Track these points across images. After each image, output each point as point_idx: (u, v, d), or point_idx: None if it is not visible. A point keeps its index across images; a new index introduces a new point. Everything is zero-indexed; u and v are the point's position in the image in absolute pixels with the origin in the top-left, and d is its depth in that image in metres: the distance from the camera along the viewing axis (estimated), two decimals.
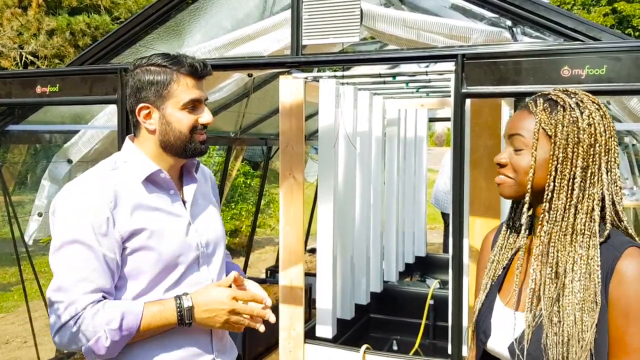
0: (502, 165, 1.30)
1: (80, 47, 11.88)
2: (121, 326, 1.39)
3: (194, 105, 1.56)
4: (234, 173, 8.24)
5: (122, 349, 1.43)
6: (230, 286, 1.54)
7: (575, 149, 1.18)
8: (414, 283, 4.88)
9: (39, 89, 2.57)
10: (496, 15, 2.12)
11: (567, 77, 1.75)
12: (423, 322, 3.89)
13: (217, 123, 4.64)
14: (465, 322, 2.56)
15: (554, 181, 1.20)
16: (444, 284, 4.36)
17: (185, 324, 1.47)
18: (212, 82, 3.01)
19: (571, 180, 1.19)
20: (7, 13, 11.18)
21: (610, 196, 1.21)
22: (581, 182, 1.19)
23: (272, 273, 5.56)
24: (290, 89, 3.03)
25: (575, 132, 1.18)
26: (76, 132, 3.21)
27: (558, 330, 1.16)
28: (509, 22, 2.10)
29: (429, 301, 3.96)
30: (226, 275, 1.63)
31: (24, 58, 11.64)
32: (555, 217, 1.20)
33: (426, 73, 3.21)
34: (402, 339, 4.08)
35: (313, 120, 4.63)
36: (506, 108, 3.09)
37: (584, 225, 1.18)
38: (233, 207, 8.66)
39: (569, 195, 1.19)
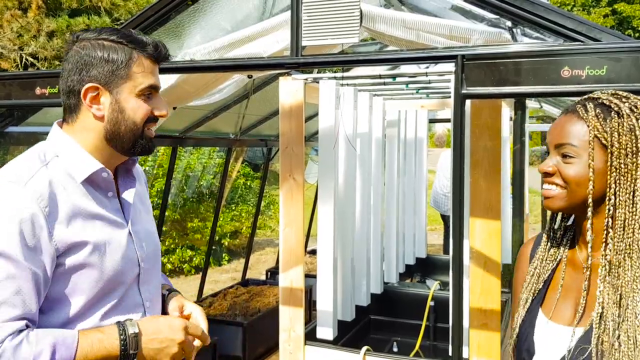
0: (549, 175, 1.20)
1: None
2: (52, 357, 1.13)
3: (150, 93, 1.33)
4: (234, 174, 8.24)
5: None
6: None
7: (635, 160, 1.11)
8: (414, 284, 4.88)
9: (38, 91, 2.57)
10: (496, 16, 2.11)
11: (567, 77, 1.74)
12: (423, 323, 3.89)
13: (217, 124, 4.64)
14: (466, 324, 2.56)
15: (615, 195, 1.12)
16: (444, 285, 4.36)
17: (129, 356, 1.21)
18: (212, 83, 3.00)
19: (632, 193, 1.11)
20: (7, 15, 11.19)
21: None
22: None
23: (273, 274, 5.56)
24: (290, 90, 3.03)
25: (634, 141, 1.11)
26: None
27: (619, 356, 1.09)
28: (509, 23, 2.10)
29: (430, 302, 3.96)
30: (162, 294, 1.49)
31: (24, 60, 11.65)
32: (619, 233, 1.13)
33: (426, 74, 3.21)
34: (402, 341, 4.08)
35: (313, 121, 4.64)
36: (506, 109, 3.08)
37: None
38: (233, 208, 8.66)
39: (630, 210, 1.12)
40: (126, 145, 1.32)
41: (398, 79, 3.44)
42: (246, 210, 8.72)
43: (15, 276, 1.14)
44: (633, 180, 1.11)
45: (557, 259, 1.28)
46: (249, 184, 9.17)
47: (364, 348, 2.93)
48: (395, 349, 4.06)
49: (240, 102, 4.31)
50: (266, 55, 2.42)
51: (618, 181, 1.12)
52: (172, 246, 7.57)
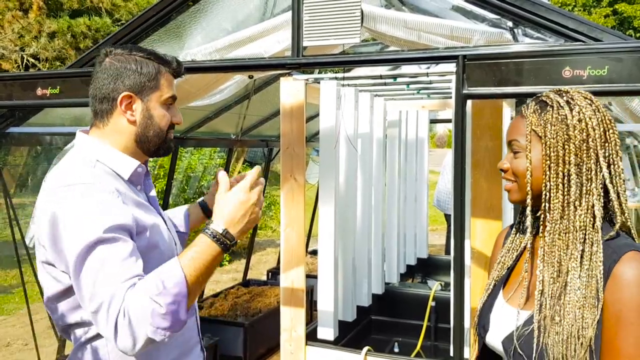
0: (504, 171, 1.31)
1: (81, 50, 11.90)
2: (165, 286, 1.23)
3: (171, 103, 1.52)
4: (234, 175, 8.24)
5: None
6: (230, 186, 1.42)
7: (567, 146, 1.19)
8: (415, 285, 4.88)
9: (39, 91, 2.57)
10: (497, 17, 2.11)
11: (569, 77, 1.74)
12: (425, 323, 3.88)
13: (218, 125, 4.64)
14: (467, 324, 2.56)
15: (549, 181, 1.21)
16: (445, 285, 4.35)
17: (230, 247, 1.34)
18: (213, 84, 3.00)
19: (566, 178, 1.19)
20: (8, 15, 11.20)
21: (615, 189, 1.20)
22: (577, 178, 1.18)
23: (274, 275, 5.56)
24: (291, 90, 3.03)
25: (564, 129, 1.19)
26: None
27: (559, 329, 1.16)
28: (510, 23, 2.10)
29: (431, 303, 3.96)
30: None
31: (25, 60, 11.66)
32: (555, 216, 1.21)
33: (427, 74, 3.21)
34: (403, 341, 4.08)
35: (314, 122, 4.64)
36: (507, 109, 3.08)
37: (584, 221, 1.18)
38: None
39: (565, 193, 1.19)
40: (152, 147, 1.49)
41: (399, 80, 3.44)
42: None
43: (119, 250, 1.27)
44: (566, 166, 1.19)
45: (522, 248, 1.37)
46: None
47: (365, 348, 2.93)
48: (396, 350, 4.06)
49: (241, 102, 4.31)
50: (267, 55, 2.42)
51: (551, 168, 1.20)
52: None
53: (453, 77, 2.80)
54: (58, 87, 2.55)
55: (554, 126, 1.20)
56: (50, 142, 3.55)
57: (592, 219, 1.18)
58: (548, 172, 1.21)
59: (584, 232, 1.18)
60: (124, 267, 1.26)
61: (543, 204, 1.22)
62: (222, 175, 1.41)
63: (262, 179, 1.46)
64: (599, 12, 20.78)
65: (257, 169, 1.42)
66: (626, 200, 1.22)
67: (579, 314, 1.15)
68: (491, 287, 1.39)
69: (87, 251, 1.26)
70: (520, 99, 1.95)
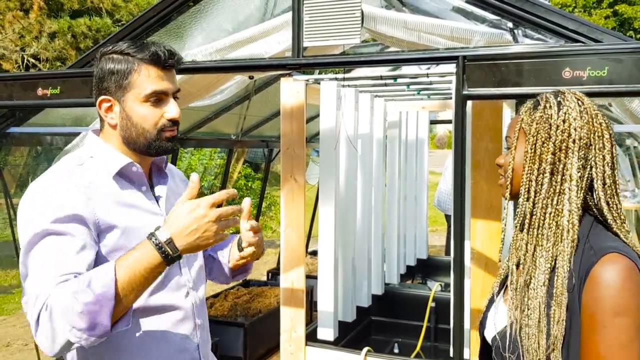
0: (500, 166, 1.34)
1: (81, 50, 11.92)
2: (90, 285, 1.16)
3: (158, 98, 1.39)
4: (235, 175, 8.24)
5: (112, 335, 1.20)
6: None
7: (545, 145, 1.20)
8: (415, 285, 4.88)
9: (40, 91, 2.57)
10: (497, 17, 2.12)
11: (569, 78, 1.74)
12: (424, 324, 3.88)
13: (218, 125, 4.64)
14: (467, 325, 2.56)
15: (527, 177, 1.23)
16: (445, 286, 4.35)
17: (173, 259, 1.22)
18: (214, 84, 3.01)
19: (541, 175, 1.21)
20: (9, 16, 11.21)
21: (598, 192, 1.20)
22: (550, 177, 1.20)
23: (274, 275, 5.56)
24: (291, 91, 3.03)
25: (546, 128, 1.20)
26: (77, 134, 3.21)
27: (529, 321, 1.18)
28: (510, 24, 2.10)
29: (431, 303, 3.96)
30: (206, 276, 1.62)
31: (25, 61, 11.66)
32: (525, 210, 1.23)
33: (427, 75, 3.21)
34: (403, 342, 4.08)
35: (314, 122, 4.64)
36: (507, 110, 3.08)
37: (554, 219, 1.19)
38: None
39: (538, 190, 1.21)
40: (142, 148, 1.42)
41: (399, 80, 3.44)
42: None
43: (61, 245, 1.24)
44: (542, 163, 1.20)
45: None
46: (249, 184, 9.18)
47: (365, 349, 2.93)
48: (396, 350, 4.06)
49: (242, 103, 4.31)
50: (267, 56, 2.42)
51: (530, 164, 1.22)
52: None
53: (453, 78, 2.80)
54: (58, 87, 2.55)
55: (538, 124, 1.21)
56: (50, 142, 3.55)
57: (561, 218, 1.19)
58: (527, 169, 1.23)
59: (552, 229, 1.19)
60: (62, 262, 1.22)
61: (520, 199, 1.25)
62: (193, 178, 1.29)
63: (244, 205, 1.39)
64: (599, 13, 20.78)
65: (231, 191, 1.28)
66: (619, 203, 1.22)
67: (544, 311, 1.16)
68: (497, 286, 1.40)
69: (31, 242, 1.26)
70: (520, 100, 1.95)
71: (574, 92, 1.26)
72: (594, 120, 1.20)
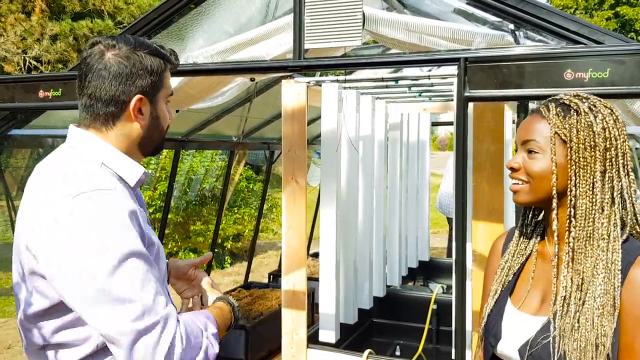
0: (514, 170, 1.28)
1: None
2: (207, 328, 1.28)
3: (168, 100, 1.41)
4: (236, 177, 8.24)
5: None
6: None
7: (593, 153, 1.18)
8: (417, 287, 4.88)
9: (41, 94, 2.57)
10: (499, 19, 2.11)
11: (570, 80, 1.74)
12: (426, 326, 3.88)
13: (219, 127, 4.64)
14: (469, 327, 2.55)
15: (576, 186, 1.20)
16: (447, 288, 4.35)
17: (235, 324, 1.44)
18: (215, 86, 3.01)
19: (591, 185, 1.19)
20: (11, 18, 11.23)
21: (631, 199, 1.20)
22: (601, 186, 1.18)
23: (275, 277, 5.56)
24: (292, 93, 3.03)
25: (591, 136, 1.18)
26: None
27: (578, 336, 1.15)
28: (511, 26, 2.10)
29: (432, 306, 3.95)
30: None
31: (27, 63, 11.69)
32: (580, 222, 1.20)
33: (429, 77, 3.21)
34: (405, 344, 4.07)
35: (315, 124, 4.64)
36: (509, 112, 3.08)
37: (605, 229, 1.18)
38: (235, 211, 8.66)
39: (590, 200, 1.19)
40: (152, 148, 1.39)
41: (401, 82, 3.44)
42: (248, 213, 8.72)
43: (150, 268, 1.19)
44: (592, 173, 1.19)
45: (528, 253, 1.35)
46: (251, 186, 9.17)
47: (367, 351, 2.92)
48: (397, 352, 4.05)
49: (243, 105, 4.31)
50: (269, 58, 2.42)
51: (578, 174, 1.19)
52: (174, 249, 7.57)
53: (454, 80, 2.79)
54: (60, 89, 2.55)
55: (582, 132, 1.19)
56: (52, 144, 3.55)
57: (613, 227, 1.18)
58: (574, 178, 1.20)
59: (605, 240, 1.18)
60: (159, 289, 1.19)
61: (569, 209, 1.21)
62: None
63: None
64: (600, 15, 20.77)
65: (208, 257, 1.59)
66: (639, 209, 1.23)
67: (598, 322, 1.14)
68: (498, 293, 1.36)
69: (116, 265, 1.13)
70: (522, 102, 1.95)
71: (596, 97, 1.25)
72: (623, 127, 1.21)
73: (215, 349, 1.25)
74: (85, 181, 1.21)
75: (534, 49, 1.88)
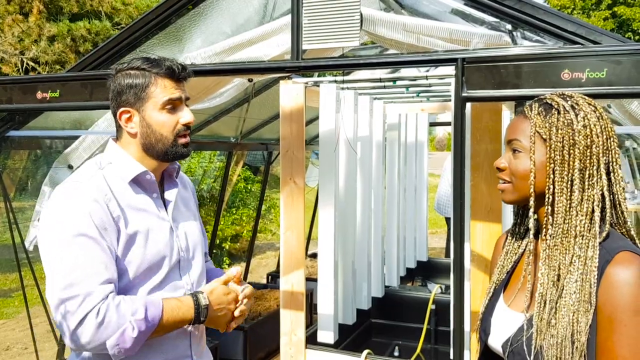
0: (501, 170, 1.31)
1: (81, 53, 11.92)
2: (146, 316, 1.39)
3: (173, 106, 1.55)
4: (234, 178, 8.24)
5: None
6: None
7: (572, 151, 1.19)
8: (415, 288, 4.88)
9: (39, 95, 2.57)
10: (496, 20, 2.12)
11: (568, 80, 1.75)
12: (425, 327, 3.88)
13: (217, 128, 4.64)
14: (467, 327, 2.55)
15: (553, 184, 1.21)
16: (445, 288, 4.35)
17: (199, 322, 1.52)
18: (213, 87, 3.01)
19: (569, 183, 1.19)
20: (8, 19, 11.22)
21: (611, 197, 1.21)
22: (580, 184, 1.19)
23: (273, 278, 5.56)
24: (290, 93, 3.03)
25: (571, 134, 1.19)
26: (77, 137, 3.21)
27: (554, 332, 1.17)
28: (509, 26, 2.10)
29: (431, 306, 3.96)
30: (206, 282, 1.69)
31: (25, 64, 11.67)
32: (557, 219, 1.21)
33: (426, 77, 3.21)
34: (403, 344, 4.07)
35: (314, 125, 4.63)
36: (507, 112, 3.09)
37: (584, 226, 1.19)
38: (234, 212, 8.65)
39: (568, 198, 1.20)
40: (160, 153, 1.57)
41: (398, 83, 3.45)
42: (247, 214, 8.71)
43: (98, 250, 1.40)
44: (570, 170, 1.19)
45: (521, 251, 1.37)
46: (249, 187, 9.17)
47: (365, 352, 2.92)
48: (396, 353, 4.05)
49: (241, 105, 4.31)
50: (267, 59, 2.42)
51: (556, 171, 1.20)
52: None
53: (452, 80, 2.80)
54: (58, 90, 2.55)
55: (560, 130, 1.20)
56: (50, 145, 3.55)
57: (590, 225, 1.19)
58: (552, 176, 1.21)
59: (582, 237, 1.19)
60: (100, 265, 1.39)
61: (546, 207, 1.23)
62: (233, 272, 1.64)
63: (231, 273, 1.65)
64: (598, 15, 20.79)
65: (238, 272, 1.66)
66: (626, 208, 1.23)
67: (574, 318, 1.15)
68: (492, 290, 1.39)
69: (64, 240, 1.39)
70: (519, 102, 1.95)
71: (580, 95, 1.25)
72: (608, 124, 1.21)
73: (132, 333, 1.36)
74: (72, 176, 1.53)
75: (532, 49, 1.88)
